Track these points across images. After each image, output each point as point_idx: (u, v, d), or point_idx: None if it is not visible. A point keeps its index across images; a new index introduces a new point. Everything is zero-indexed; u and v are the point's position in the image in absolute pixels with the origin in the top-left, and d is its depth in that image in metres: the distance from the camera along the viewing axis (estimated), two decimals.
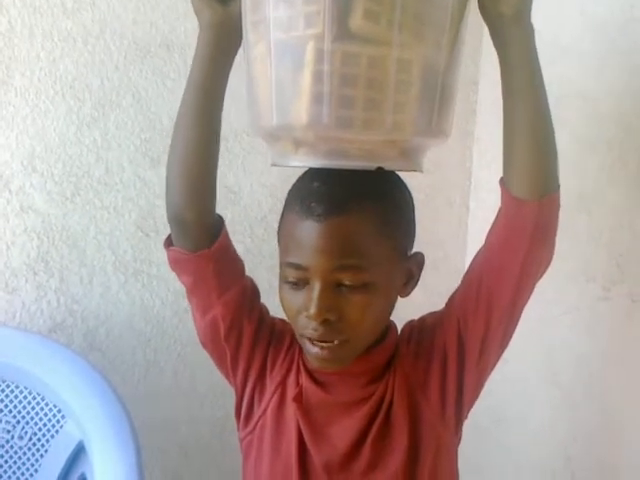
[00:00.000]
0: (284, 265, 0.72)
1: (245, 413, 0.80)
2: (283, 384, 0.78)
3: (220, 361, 0.81)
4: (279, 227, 0.76)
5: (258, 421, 0.79)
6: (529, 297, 0.74)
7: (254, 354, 0.79)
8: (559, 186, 0.70)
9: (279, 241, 0.75)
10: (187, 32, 1.13)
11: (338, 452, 0.75)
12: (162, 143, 1.15)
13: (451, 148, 1.26)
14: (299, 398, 0.76)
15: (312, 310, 0.68)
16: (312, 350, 0.72)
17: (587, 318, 1.02)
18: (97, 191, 1.13)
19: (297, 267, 0.70)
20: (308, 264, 0.69)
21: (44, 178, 1.10)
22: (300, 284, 0.70)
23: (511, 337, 0.76)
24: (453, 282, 1.18)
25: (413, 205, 0.78)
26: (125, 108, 1.12)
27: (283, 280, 0.72)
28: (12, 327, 1.09)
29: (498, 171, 1.11)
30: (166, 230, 1.16)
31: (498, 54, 0.69)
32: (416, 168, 0.73)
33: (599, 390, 1.00)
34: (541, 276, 0.74)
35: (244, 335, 0.78)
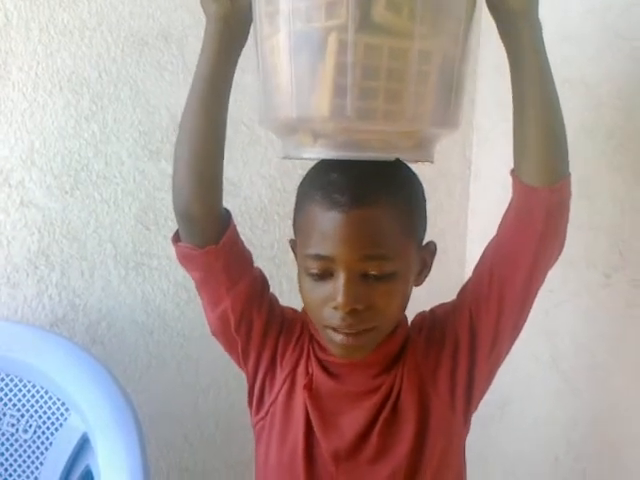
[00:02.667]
0: (307, 257, 0.71)
1: (257, 400, 0.81)
2: (293, 373, 0.79)
3: (231, 351, 0.81)
4: (296, 220, 0.76)
5: (269, 408, 0.80)
6: (540, 286, 0.74)
7: (265, 344, 0.79)
8: (570, 173, 0.71)
9: (297, 234, 0.75)
10: (185, 23, 1.13)
11: (346, 441, 0.76)
12: (161, 135, 1.15)
13: (451, 138, 1.26)
14: (309, 386, 0.77)
15: (340, 300, 0.68)
16: (337, 338, 0.71)
17: (588, 304, 1.02)
18: (96, 185, 1.13)
19: (322, 258, 0.70)
20: (333, 255, 0.69)
21: (43, 172, 1.10)
22: (324, 275, 0.70)
23: (522, 328, 0.76)
24: (453, 272, 1.17)
25: (424, 195, 0.78)
26: (123, 101, 1.12)
27: (305, 272, 0.72)
28: (14, 321, 1.09)
29: (498, 160, 1.11)
30: (166, 223, 1.18)
31: (506, 49, 0.70)
32: (429, 159, 0.74)
33: (600, 375, 1.01)
34: (552, 265, 0.74)
35: (254, 326, 0.78)
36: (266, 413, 0.80)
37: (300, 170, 1.24)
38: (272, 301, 0.82)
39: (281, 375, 0.79)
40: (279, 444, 0.78)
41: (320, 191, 0.70)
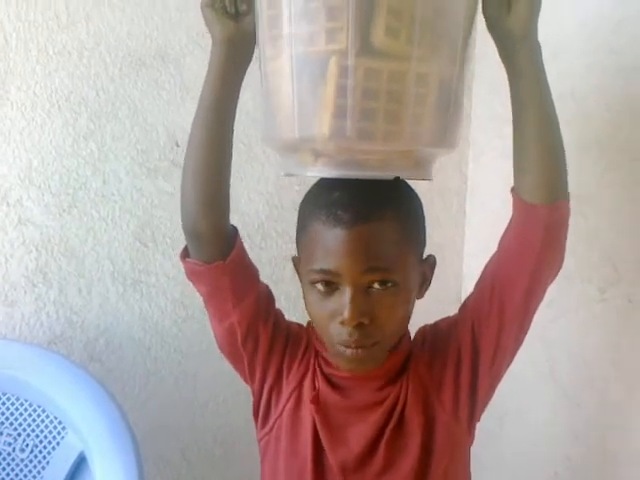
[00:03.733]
0: (313, 272, 0.73)
1: (263, 415, 0.82)
2: (299, 387, 0.80)
3: (238, 365, 0.83)
4: (300, 237, 0.77)
5: (275, 422, 0.81)
6: (540, 302, 0.76)
7: (270, 359, 0.81)
8: (569, 194, 0.73)
9: (302, 251, 0.77)
10: (181, 43, 1.14)
11: (353, 454, 0.77)
12: (158, 153, 1.16)
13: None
14: (316, 400, 0.78)
15: (346, 314, 0.70)
16: (346, 352, 0.73)
17: (584, 319, 1.02)
18: (94, 202, 1.14)
19: (327, 273, 0.72)
20: (338, 269, 0.71)
21: (41, 191, 1.11)
22: (330, 290, 0.72)
23: (522, 341, 0.78)
24: (451, 286, 1.18)
25: (423, 211, 0.80)
26: (121, 119, 1.13)
27: (311, 287, 0.74)
28: (12, 339, 1.09)
29: (494, 175, 1.11)
30: (164, 240, 1.19)
31: (507, 70, 0.72)
32: (426, 177, 0.76)
33: (598, 388, 1.01)
34: (551, 282, 0.76)
35: (260, 341, 0.80)
36: (271, 428, 0.82)
37: (297, 187, 1.26)
38: (278, 316, 0.83)
39: (287, 389, 0.81)
40: (287, 457, 0.80)
41: (324, 209, 0.72)
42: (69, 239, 1.13)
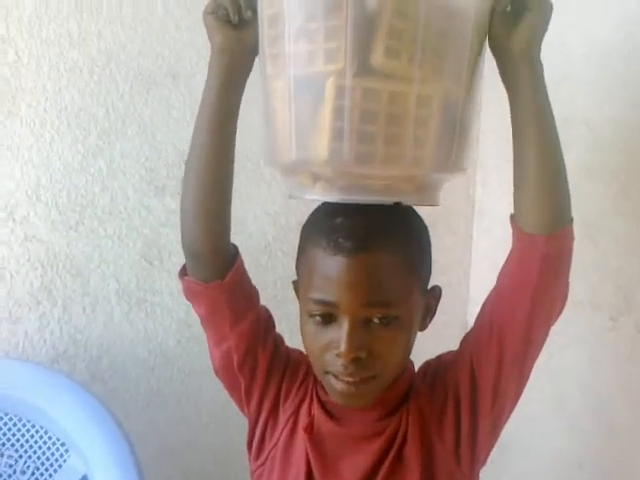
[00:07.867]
0: (310, 301, 0.70)
1: (257, 445, 0.80)
2: (296, 414, 0.77)
3: (234, 391, 0.80)
4: (299, 262, 0.75)
5: (269, 453, 0.78)
6: (543, 341, 0.72)
7: (268, 385, 0.78)
8: (570, 222, 0.69)
9: (300, 277, 0.75)
10: (192, 62, 1.14)
11: None
12: (167, 172, 1.16)
13: None
14: (310, 429, 0.75)
15: (343, 348, 0.67)
16: (338, 386, 0.70)
17: (594, 348, 1.01)
18: (101, 220, 1.13)
19: (325, 303, 0.69)
20: (337, 300, 0.68)
21: (48, 207, 1.10)
22: (327, 321, 0.69)
23: (525, 384, 0.74)
24: (456, 311, 1.17)
25: (429, 239, 0.77)
26: (130, 137, 1.13)
27: (308, 316, 0.71)
28: (15, 358, 1.08)
29: (502, 198, 1.10)
30: (170, 259, 1.18)
31: (507, 91, 0.69)
32: (433, 202, 0.73)
33: (606, 418, 1.00)
34: (555, 318, 0.72)
35: (258, 366, 0.78)
36: (266, 458, 0.79)
37: (304, 207, 1.25)
38: (277, 341, 0.81)
39: (283, 417, 0.78)
40: None
41: (324, 235, 0.69)
42: (75, 256, 1.12)
